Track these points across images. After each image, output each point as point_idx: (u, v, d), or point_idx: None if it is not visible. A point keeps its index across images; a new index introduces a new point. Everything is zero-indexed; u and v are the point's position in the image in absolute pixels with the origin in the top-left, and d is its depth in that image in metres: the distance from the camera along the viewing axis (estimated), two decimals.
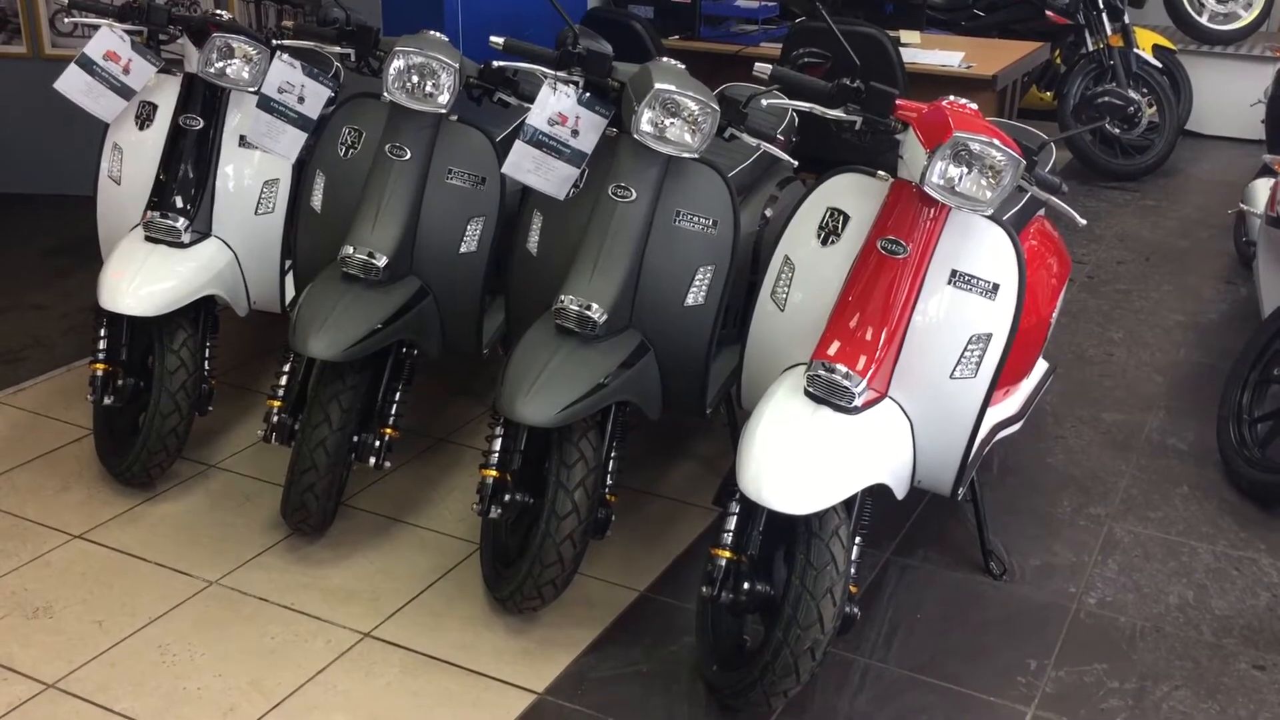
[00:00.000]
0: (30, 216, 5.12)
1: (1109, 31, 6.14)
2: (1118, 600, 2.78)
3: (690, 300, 2.70)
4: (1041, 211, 3.10)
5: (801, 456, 2.19)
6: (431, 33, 2.93)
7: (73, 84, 3.14)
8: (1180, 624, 2.70)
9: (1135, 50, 6.18)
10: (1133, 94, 5.92)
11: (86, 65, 3.14)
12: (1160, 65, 6.30)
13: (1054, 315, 2.99)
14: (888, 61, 4.27)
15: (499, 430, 2.63)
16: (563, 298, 2.60)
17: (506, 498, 2.59)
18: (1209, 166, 6.60)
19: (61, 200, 5.22)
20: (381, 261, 2.86)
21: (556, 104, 2.62)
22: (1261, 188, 4.19)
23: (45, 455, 3.30)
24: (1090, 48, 6.19)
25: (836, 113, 2.35)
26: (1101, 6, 6.12)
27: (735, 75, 3.69)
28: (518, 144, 2.64)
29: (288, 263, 3.29)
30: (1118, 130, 6.07)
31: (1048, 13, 6.26)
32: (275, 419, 2.87)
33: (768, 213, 3.12)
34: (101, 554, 2.87)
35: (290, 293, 3.33)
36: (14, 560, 2.84)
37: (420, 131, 2.94)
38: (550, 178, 2.67)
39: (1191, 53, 6.93)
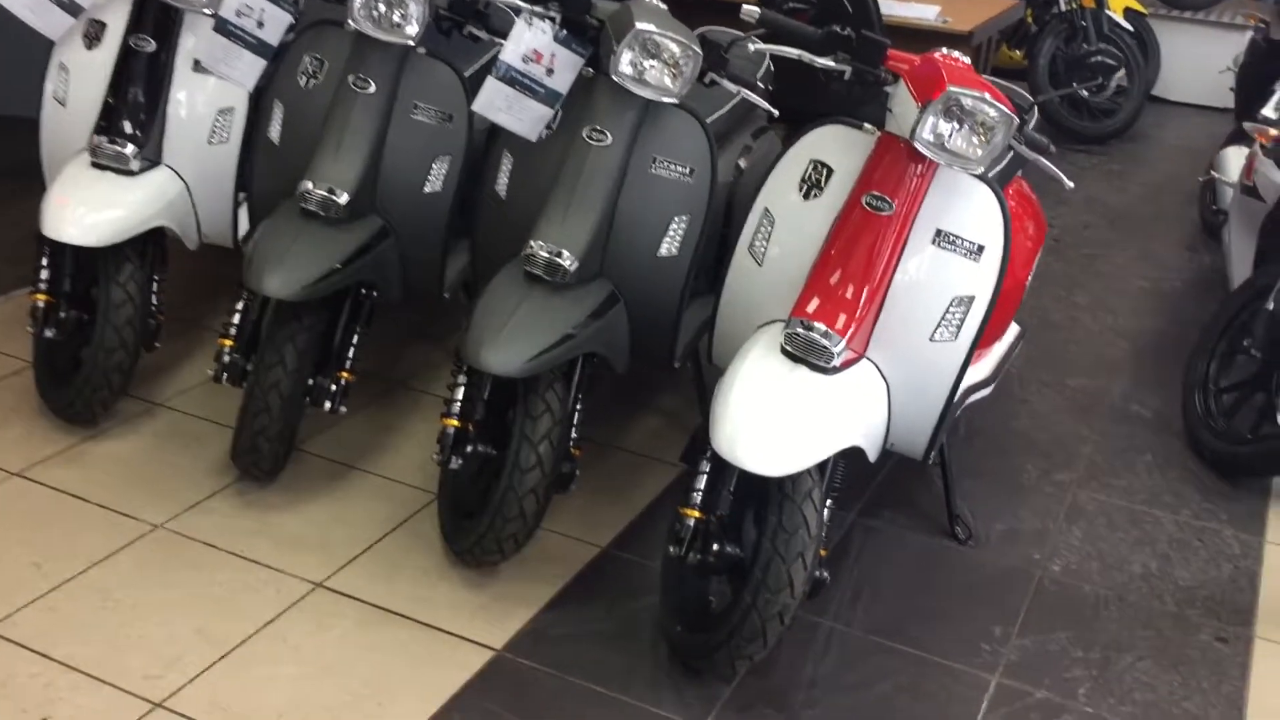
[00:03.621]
0: None
1: None
2: (1082, 568, 2.77)
3: (664, 250, 2.62)
4: (1019, 172, 3.04)
5: (777, 416, 2.13)
6: None
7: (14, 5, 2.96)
8: (1144, 594, 2.69)
9: (1107, 12, 6.13)
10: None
11: None
12: (1131, 28, 6.26)
13: (1029, 278, 2.95)
14: (866, 13, 4.17)
15: (462, 379, 2.54)
16: (532, 243, 2.51)
17: (468, 449, 2.51)
18: (1175, 133, 6.59)
19: (1, 121, 4.99)
20: (342, 198, 2.74)
21: (532, 40, 2.50)
22: (1233, 156, 4.17)
23: None
24: (1063, 8, 6.12)
25: (825, 61, 2.26)
26: None
27: (707, 20, 3.58)
28: (489, 80, 2.53)
29: (241, 195, 3.15)
30: (1086, 93, 6.04)
31: None
32: (227, 359, 2.76)
33: (742, 163, 3.04)
34: (41, 493, 2.76)
35: (244, 226, 3.20)
36: None
37: (386, 63, 2.80)
38: (523, 117, 2.56)
39: (1161, 17, 6.90)
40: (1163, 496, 3.08)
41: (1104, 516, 2.97)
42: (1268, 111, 4.07)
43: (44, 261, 2.93)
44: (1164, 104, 7.03)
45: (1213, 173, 4.21)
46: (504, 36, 2.78)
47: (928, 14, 4.67)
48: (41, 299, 2.91)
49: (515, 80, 2.52)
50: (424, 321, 3.66)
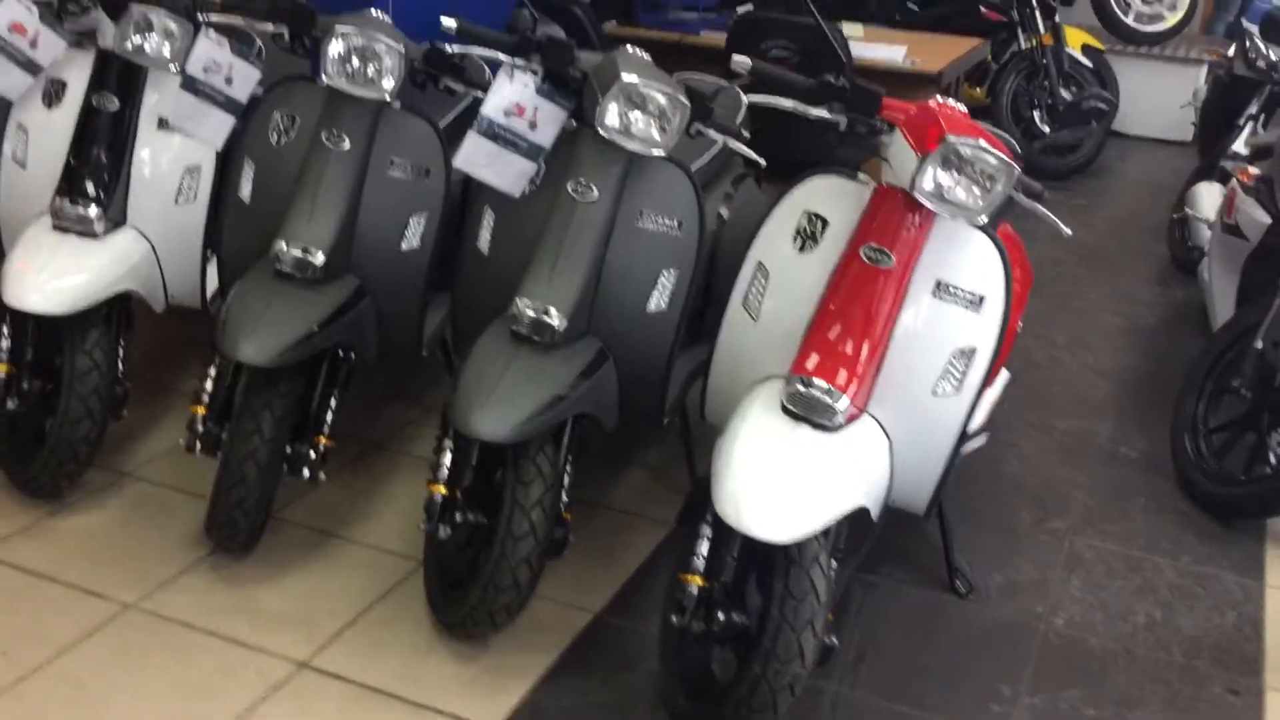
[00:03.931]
0: None
1: (1041, 30, 6.13)
2: (1086, 620, 2.71)
3: (652, 305, 2.55)
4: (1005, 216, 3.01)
5: (783, 480, 2.06)
6: (373, 12, 2.73)
7: None
8: (1150, 645, 2.64)
9: (1066, 49, 6.19)
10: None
11: None
12: (1090, 64, 6.32)
13: (1019, 323, 2.91)
14: (836, 56, 4.16)
15: (448, 443, 2.45)
16: (518, 302, 2.43)
17: (457, 516, 2.42)
18: (1136, 167, 6.65)
19: None
20: (318, 258, 2.65)
21: (513, 93, 2.44)
22: (1205, 192, 4.19)
23: None
24: (1023, 46, 6.17)
25: (819, 111, 2.22)
26: (1035, 4, 6.11)
27: (675, 65, 3.54)
28: (471, 135, 2.46)
29: (209, 254, 3.06)
30: (1047, 128, 6.08)
31: (982, 9, 6.23)
32: (199, 427, 2.65)
33: (723, 211, 2.98)
34: (4, 574, 2.63)
35: (212, 287, 3.10)
36: None
37: (360, 118, 2.73)
38: (505, 172, 2.49)
39: (1117, 53, 6.98)
40: (1160, 542, 3.04)
41: (1103, 564, 2.92)
42: (1238, 147, 4.10)
43: (4, 330, 2.81)
44: (1123, 138, 7.09)
45: (1186, 210, 4.23)
46: (480, 88, 2.73)
47: (895, 56, 4.67)
48: (2, 369, 2.79)
49: (497, 135, 2.45)
50: (397, 379, 3.56)
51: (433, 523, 2.40)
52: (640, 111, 2.38)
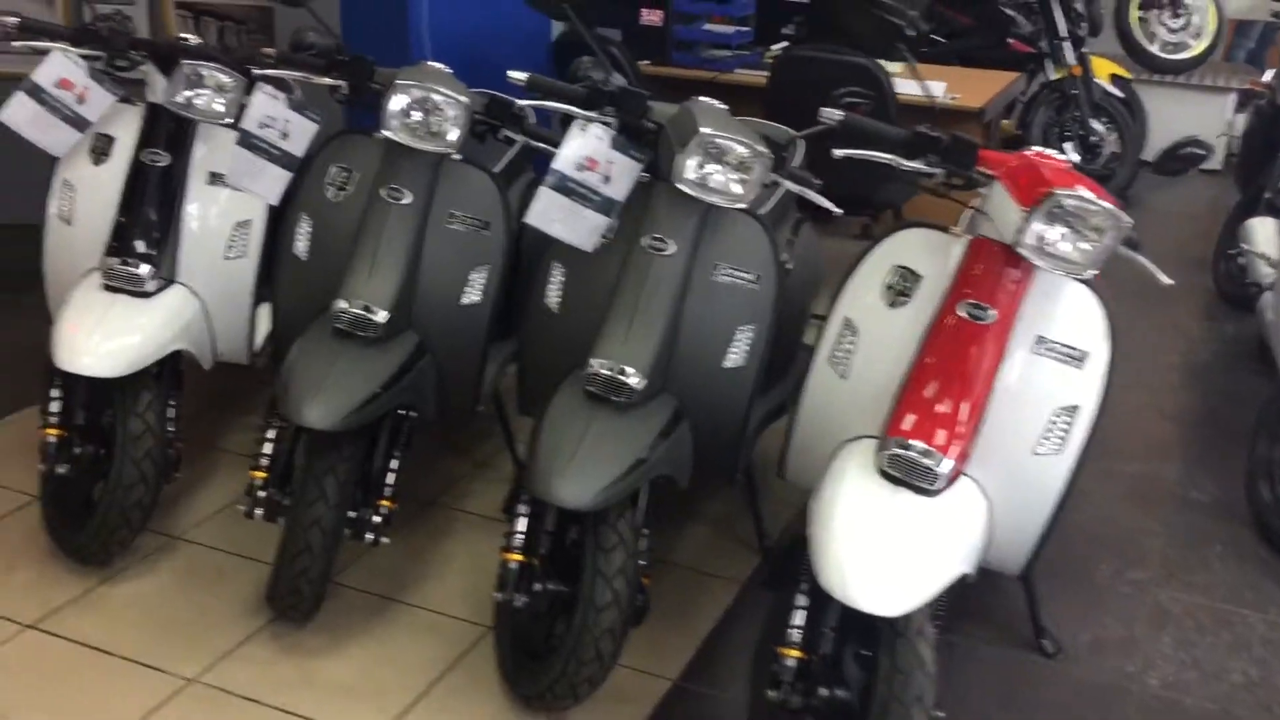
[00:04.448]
0: None
1: (1070, 60, 6.08)
2: (1180, 680, 2.61)
3: (730, 362, 2.48)
4: None
5: (887, 549, 1.97)
6: (432, 64, 2.67)
7: (19, 114, 2.79)
8: (1251, 706, 2.54)
9: (1095, 79, 6.13)
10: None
11: (35, 93, 2.79)
12: (1120, 94, 6.26)
13: None
14: (881, 93, 4.10)
15: (522, 508, 2.36)
16: (593, 362, 2.35)
17: (535, 586, 2.33)
18: (1169, 198, 6.57)
19: None
20: (380, 316, 2.58)
21: (587, 147, 2.37)
22: (1259, 227, 4.11)
23: None
24: (1053, 76, 6.11)
25: (914, 164, 2.14)
26: (1064, 35, 6.06)
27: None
28: (543, 191, 2.38)
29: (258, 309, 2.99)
30: (1079, 158, 6.01)
31: (1010, 41, 6.17)
32: (261, 494, 2.57)
33: (785, 259, 2.91)
34: (59, 647, 2.54)
35: (258, 342, 3.03)
36: None
37: (420, 171, 2.66)
38: (577, 227, 2.42)
39: (1143, 82, 6.92)
40: (1244, 593, 2.94)
41: (1190, 619, 2.83)
42: None
43: (56, 393, 2.73)
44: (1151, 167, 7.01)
45: (1242, 245, 4.15)
46: (541, 140, 2.67)
47: (935, 91, 4.61)
48: (53, 433, 2.71)
49: (570, 189, 2.38)
50: (449, 432, 3.48)
51: (508, 592, 2.31)
52: (719, 163, 2.30)
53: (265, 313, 3.04)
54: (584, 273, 2.52)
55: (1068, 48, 6.05)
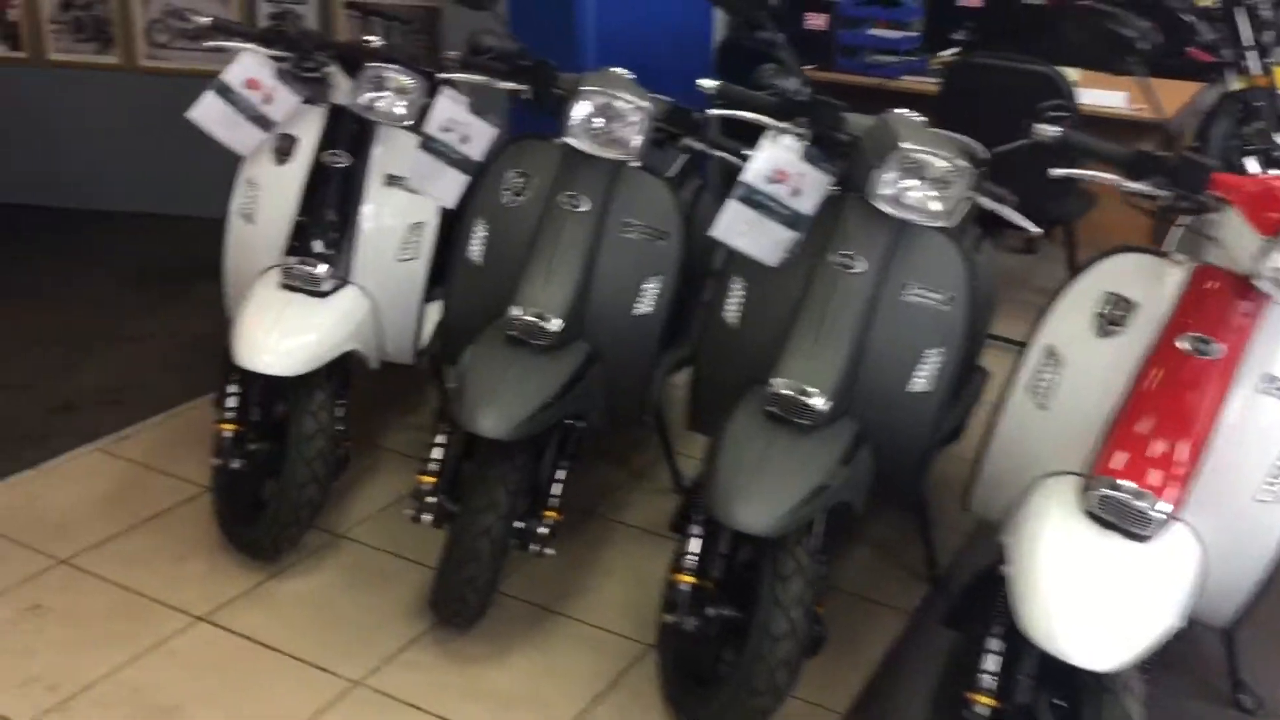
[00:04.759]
0: (114, 235, 4.85)
1: (1256, 70, 5.75)
2: None
3: (916, 385, 2.37)
4: None
5: (1099, 599, 1.84)
6: (616, 70, 2.62)
7: (208, 113, 2.84)
8: None
9: None
10: None
11: (224, 93, 2.84)
12: None
13: None
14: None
15: (694, 528, 2.30)
16: (775, 381, 2.27)
17: (707, 611, 2.26)
18: None
19: (145, 219, 4.96)
20: (553, 325, 2.54)
21: (778, 158, 2.29)
22: None
23: (157, 517, 3.01)
24: (1235, 87, 5.79)
25: (1139, 186, 2.01)
26: (1249, 43, 5.73)
27: (872, 111, 3.35)
28: (730, 203, 2.31)
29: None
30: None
31: (1189, 49, 5.87)
32: (430, 499, 2.55)
33: None
34: (229, 642, 2.57)
35: (424, 343, 3.04)
36: (133, 646, 2.53)
37: (598, 178, 2.62)
38: (763, 241, 2.34)
39: None
40: None
41: None
42: None
43: (233, 389, 2.77)
44: None
45: None
46: (722, 149, 2.60)
47: (1116, 101, 4.40)
48: (229, 429, 2.75)
49: (757, 202, 2.30)
50: (602, 440, 3.43)
51: (679, 615, 2.25)
52: (918, 179, 2.20)
53: (429, 314, 3.05)
54: (766, 288, 2.44)
55: (1253, 57, 5.72)
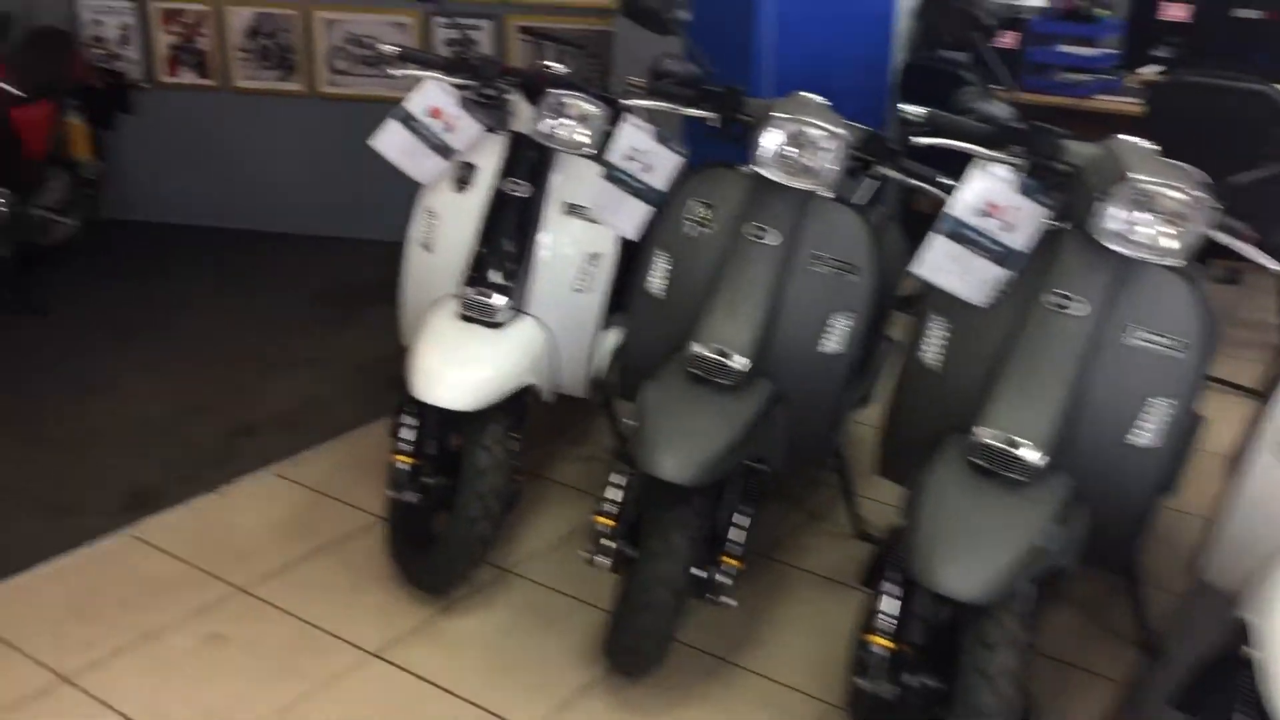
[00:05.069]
0: (294, 258, 4.96)
1: None
2: None
3: (1139, 439, 2.16)
4: None
5: None
6: (807, 95, 2.49)
7: (390, 142, 2.83)
8: None
9: None
10: None
11: (407, 121, 2.82)
12: None
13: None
14: None
15: (888, 586, 2.13)
16: (981, 430, 2.10)
17: (906, 678, 2.09)
18: None
19: (323, 242, 5.05)
20: (738, 363, 2.42)
21: (989, 190, 2.12)
22: None
23: (332, 545, 3.00)
24: None
25: None
26: None
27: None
28: (936, 239, 2.15)
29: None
30: None
31: None
32: (608, 543, 2.46)
33: None
34: (403, 681, 2.52)
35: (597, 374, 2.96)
36: (306, 680, 2.51)
37: (787, 209, 2.49)
38: (970, 279, 2.17)
39: None
40: None
41: None
42: None
43: (409, 420, 2.73)
44: None
45: None
46: (920, 179, 2.44)
47: None
48: (404, 461, 2.72)
49: (966, 237, 2.14)
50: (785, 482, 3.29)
51: (875, 680, 2.09)
52: (1148, 212, 2.00)
53: (603, 345, 2.98)
54: (971, 329, 2.27)
55: None
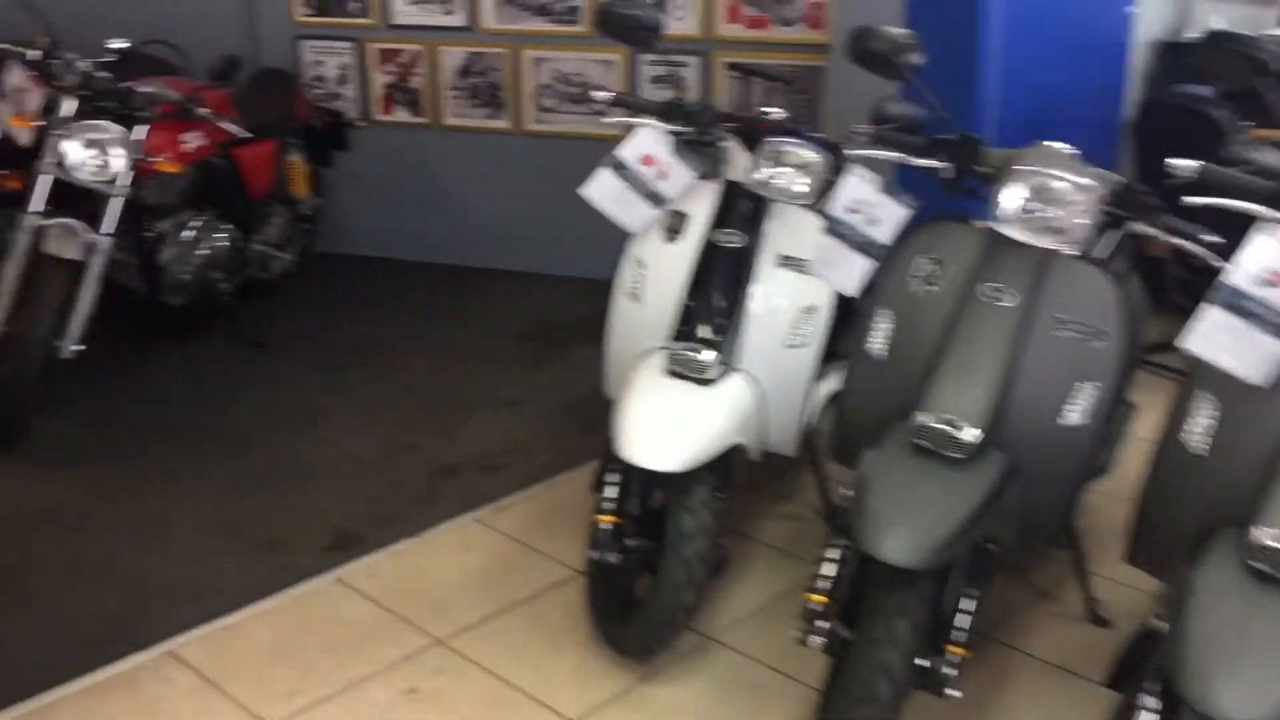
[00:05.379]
0: (498, 294, 4.98)
1: None
2: None
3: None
4: None
5: None
6: (1053, 145, 2.29)
7: (602, 190, 2.76)
8: None
9: None
10: None
11: (619, 169, 2.74)
12: None
13: None
14: None
15: (1149, 700, 1.90)
16: (1257, 531, 1.84)
17: None
18: None
19: (527, 278, 5.06)
20: (969, 435, 2.23)
21: (1275, 257, 1.87)
22: None
23: (529, 599, 2.93)
24: None
25: None
26: None
27: None
28: (1210, 310, 1.92)
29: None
30: None
31: None
32: (822, 623, 2.29)
33: None
34: None
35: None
36: None
37: (1027, 268, 2.29)
38: (1249, 358, 1.92)
39: None
40: None
41: None
42: None
43: (612, 479, 2.64)
44: None
45: None
46: (1183, 236, 2.19)
47: None
48: (607, 520, 2.62)
49: (1246, 309, 1.89)
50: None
51: None
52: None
53: (814, 399, 2.83)
54: (1241, 412, 2.02)
55: None
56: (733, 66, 4.70)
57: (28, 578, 2.99)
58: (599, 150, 2.87)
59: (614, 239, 2.96)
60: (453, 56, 5.02)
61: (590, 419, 3.79)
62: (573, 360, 4.26)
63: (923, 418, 2.25)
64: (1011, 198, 2.17)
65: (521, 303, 4.87)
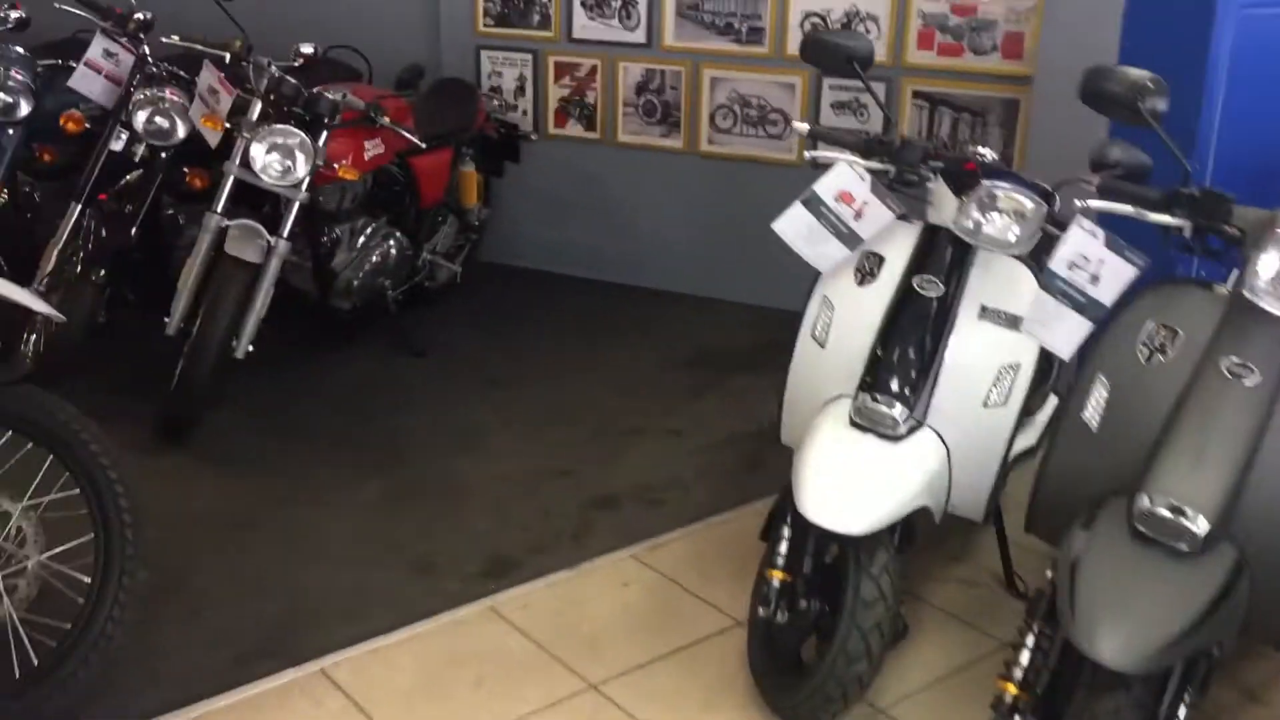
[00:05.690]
0: (665, 317, 4.85)
1: None
2: None
3: None
4: None
5: None
6: None
7: (793, 225, 2.59)
8: None
9: None
10: None
11: (813, 205, 2.58)
12: None
13: None
14: None
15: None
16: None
17: None
18: None
19: (696, 301, 4.93)
20: (1199, 525, 2.00)
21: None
22: None
23: (685, 647, 2.79)
24: None
25: None
26: None
27: None
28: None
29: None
30: None
31: None
32: (1015, 715, 2.09)
33: None
34: None
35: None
36: None
37: (1275, 344, 2.04)
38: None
39: None
40: None
41: None
42: None
43: (786, 533, 2.48)
44: None
45: None
46: None
47: None
48: (778, 577, 2.47)
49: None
50: None
51: None
52: None
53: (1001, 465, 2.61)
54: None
55: None
56: (918, 95, 4.49)
57: (192, 578, 2.98)
58: (773, 175, 2.72)
59: (785, 267, 2.80)
60: (630, 72, 4.93)
61: (753, 457, 3.63)
62: (736, 391, 4.11)
63: (1147, 502, 2.03)
64: (1271, 266, 1.94)
65: (684, 327, 4.74)
